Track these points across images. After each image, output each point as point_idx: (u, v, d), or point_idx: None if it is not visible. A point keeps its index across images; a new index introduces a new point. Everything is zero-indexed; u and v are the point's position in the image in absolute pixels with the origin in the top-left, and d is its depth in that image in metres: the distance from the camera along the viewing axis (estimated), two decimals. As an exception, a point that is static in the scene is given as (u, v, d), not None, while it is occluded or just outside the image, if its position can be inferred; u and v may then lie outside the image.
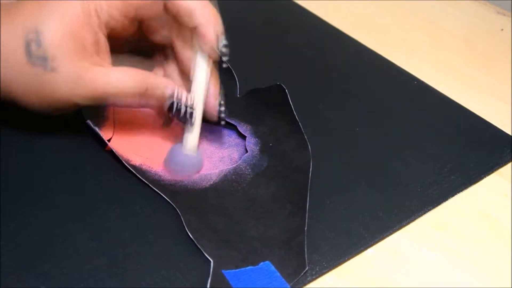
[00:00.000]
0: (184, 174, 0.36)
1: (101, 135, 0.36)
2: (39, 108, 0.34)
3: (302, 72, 0.47)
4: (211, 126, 0.40)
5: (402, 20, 0.57)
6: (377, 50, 0.51)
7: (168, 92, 0.34)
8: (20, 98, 0.34)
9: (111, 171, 0.35)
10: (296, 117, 0.38)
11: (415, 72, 0.48)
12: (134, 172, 0.35)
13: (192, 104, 0.35)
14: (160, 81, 0.35)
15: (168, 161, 0.36)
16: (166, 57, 0.39)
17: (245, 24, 0.53)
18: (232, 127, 0.40)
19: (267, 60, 0.48)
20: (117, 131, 0.38)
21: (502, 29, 0.57)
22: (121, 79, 0.33)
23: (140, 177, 0.35)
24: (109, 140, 0.37)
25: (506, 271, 0.33)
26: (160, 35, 0.37)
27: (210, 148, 0.39)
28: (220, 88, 0.37)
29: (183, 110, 0.35)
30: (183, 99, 0.35)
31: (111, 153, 0.36)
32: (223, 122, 0.38)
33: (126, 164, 0.35)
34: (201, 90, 0.36)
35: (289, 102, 0.39)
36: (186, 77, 0.37)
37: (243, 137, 0.39)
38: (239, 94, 0.42)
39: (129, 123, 0.40)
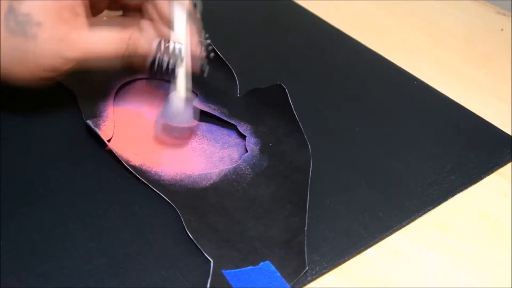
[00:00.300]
0: (183, 121, 0.37)
1: (101, 135, 0.36)
2: (25, 79, 0.35)
3: (302, 72, 0.47)
4: (211, 126, 0.40)
5: (402, 20, 0.57)
6: (377, 50, 0.51)
7: (152, 48, 0.35)
8: (6, 72, 0.34)
9: (111, 171, 0.35)
10: (296, 117, 0.38)
11: (415, 72, 0.48)
12: (134, 172, 0.35)
13: (178, 41, 0.35)
14: (142, 37, 0.35)
15: (165, 112, 0.36)
16: (139, 16, 0.38)
17: (245, 24, 0.53)
18: (232, 127, 0.40)
19: (267, 60, 0.48)
20: (117, 131, 0.38)
21: (502, 29, 0.57)
22: (102, 38, 0.34)
23: (140, 178, 0.35)
24: (109, 140, 0.37)
25: (506, 271, 0.33)
26: None
27: (210, 148, 0.39)
28: (201, 37, 0.37)
29: (165, 65, 0.35)
30: (165, 54, 0.35)
31: (111, 153, 0.36)
32: (210, 55, 0.38)
33: (126, 164, 0.35)
34: (183, 38, 0.35)
35: (289, 102, 0.39)
36: (161, 34, 0.37)
37: (243, 137, 0.39)
38: (239, 94, 0.42)
39: (129, 123, 0.40)
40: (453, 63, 0.51)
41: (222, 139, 0.40)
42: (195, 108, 0.38)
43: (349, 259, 0.32)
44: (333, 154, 0.39)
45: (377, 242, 0.33)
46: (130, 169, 0.35)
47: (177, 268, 0.30)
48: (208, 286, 0.29)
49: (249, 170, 0.37)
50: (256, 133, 0.39)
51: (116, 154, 0.35)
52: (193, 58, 0.37)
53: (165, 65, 0.35)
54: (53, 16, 0.33)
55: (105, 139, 0.37)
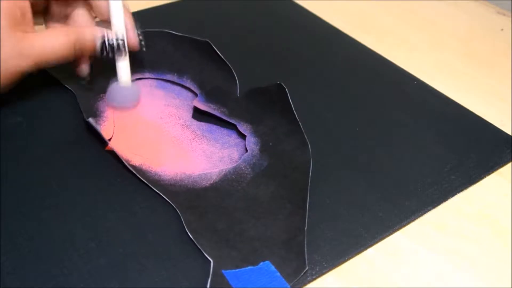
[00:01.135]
0: (126, 105, 0.40)
1: (101, 135, 0.36)
2: None
3: (302, 72, 0.47)
4: (211, 126, 0.40)
5: (402, 20, 0.57)
6: (377, 50, 0.51)
7: (98, 35, 0.38)
8: None
9: (111, 171, 0.35)
10: (296, 116, 0.38)
11: (415, 72, 0.48)
12: (134, 172, 0.35)
13: (122, 36, 0.39)
14: (86, 30, 0.38)
15: (109, 97, 0.40)
16: (73, 9, 0.41)
17: (245, 24, 0.53)
18: (232, 127, 0.40)
19: (267, 60, 0.48)
20: (117, 131, 0.38)
21: (502, 29, 0.57)
22: (53, 40, 0.36)
23: (140, 177, 0.35)
24: (109, 140, 0.37)
25: (506, 271, 0.33)
26: None
27: (210, 148, 0.39)
28: (134, 20, 0.41)
29: (115, 44, 0.38)
30: (111, 36, 0.38)
31: (111, 153, 0.36)
32: (144, 49, 0.41)
33: (126, 164, 0.35)
34: (122, 25, 0.39)
35: (289, 101, 0.39)
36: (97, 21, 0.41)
37: (243, 137, 0.39)
38: (239, 94, 0.42)
39: (129, 123, 0.40)
40: (453, 63, 0.51)
41: (222, 139, 0.40)
42: (138, 91, 0.41)
43: (349, 259, 0.32)
44: (333, 154, 0.39)
45: (377, 242, 0.33)
46: (130, 169, 0.35)
47: (177, 268, 0.30)
48: (208, 286, 0.29)
49: (249, 169, 0.37)
50: (256, 133, 0.39)
51: (116, 154, 0.35)
52: (133, 49, 0.40)
53: (115, 44, 0.39)
54: (11, 25, 0.35)
55: (105, 138, 0.37)
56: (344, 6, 0.58)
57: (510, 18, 0.58)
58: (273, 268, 0.30)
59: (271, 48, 0.50)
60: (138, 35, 0.40)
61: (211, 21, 0.53)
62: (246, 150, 0.38)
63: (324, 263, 0.31)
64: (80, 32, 0.38)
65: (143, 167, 0.36)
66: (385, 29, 0.55)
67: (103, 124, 0.38)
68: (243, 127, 0.40)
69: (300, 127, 0.38)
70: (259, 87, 0.41)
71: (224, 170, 0.36)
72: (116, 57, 0.39)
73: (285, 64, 0.48)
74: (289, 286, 0.29)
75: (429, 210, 0.36)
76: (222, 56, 0.43)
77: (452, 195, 0.37)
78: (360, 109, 0.44)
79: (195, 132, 0.40)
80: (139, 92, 0.41)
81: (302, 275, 0.30)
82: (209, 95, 0.42)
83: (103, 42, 0.38)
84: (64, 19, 0.41)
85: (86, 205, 0.33)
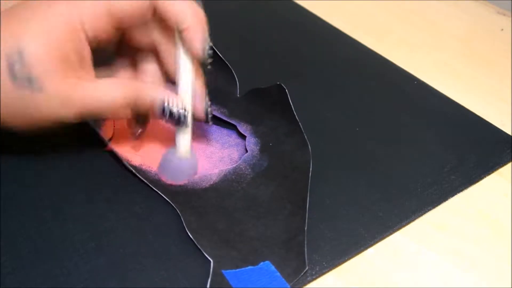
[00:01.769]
0: (182, 179, 0.35)
1: (101, 135, 0.36)
2: (25, 129, 0.32)
3: (302, 72, 0.47)
4: (211, 126, 0.40)
5: (402, 20, 0.57)
6: (377, 50, 0.51)
7: (158, 97, 0.33)
8: (5, 121, 0.31)
9: (111, 171, 0.35)
10: (296, 116, 0.38)
11: (415, 72, 0.48)
12: (134, 172, 0.35)
13: (184, 106, 0.34)
14: (147, 89, 0.34)
15: (163, 169, 0.36)
16: (142, 60, 0.36)
17: (245, 24, 0.53)
18: (232, 127, 0.40)
19: (267, 60, 0.48)
20: (117, 131, 0.38)
21: (502, 29, 0.57)
22: (109, 92, 0.32)
23: (140, 177, 0.35)
24: (109, 140, 0.37)
25: (506, 271, 0.33)
26: (143, 41, 0.35)
27: (210, 148, 0.39)
28: (206, 90, 0.37)
29: (176, 112, 0.34)
30: (174, 102, 0.34)
31: (111, 153, 0.36)
32: (211, 123, 0.37)
33: (126, 164, 0.35)
34: (189, 92, 0.35)
35: (289, 102, 0.38)
36: (167, 79, 0.37)
37: (243, 137, 0.39)
38: (239, 94, 0.42)
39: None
40: (453, 63, 0.51)
41: (222, 139, 0.40)
42: (195, 164, 0.36)
43: (349, 259, 0.32)
44: (333, 154, 0.39)
45: (377, 242, 0.33)
46: (130, 169, 0.35)
47: (177, 268, 0.30)
48: (208, 286, 0.29)
49: (249, 170, 0.37)
50: (256, 133, 0.39)
51: (116, 154, 0.35)
52: (196, 112, 0.36)
53: (176, 112, 0.34)
54: (61, 68, 0.30)
55: (105, 139, 0.37)
56: (344, 6, 0.58)
57: (510, 18, 0.58)
58: (273, 268, 0.30)
59: (271, 48, 0.50)
60: (208, 106, 0.36)
61: (211, 21, 0.53)
62: (246, 151, 0.38)
63: (324, 263, 0.31)
64: (140, 89, 0.33)
65: (143, 167, 0.36)
66: (385, 29, 0.55)
67: (103, 124, 0.38)
68: (243, 128, 0.40)
69: (300, 127, 0.38)
70: (259, 88, 0.41)
71: (224, 171, 0.36)
72: (177, 127, 0.35)
73: (285, 64, 0.48)
74: (289, 286, 0.29)
75: (429, 210, 0.36)
76: (222, 57, 0.43)
77: (452, 195, 0.37)
78: (360, 109, 0.44)
79: (195, 132, 0.40)
80: (196, 164, 0.36)
81: (302, 275, 0.30)
82: (209, 96, 0.42)
83: (164, 109, 0.33)
84: (132, 67, 0.37)
85: (86, 205, 0.33)
